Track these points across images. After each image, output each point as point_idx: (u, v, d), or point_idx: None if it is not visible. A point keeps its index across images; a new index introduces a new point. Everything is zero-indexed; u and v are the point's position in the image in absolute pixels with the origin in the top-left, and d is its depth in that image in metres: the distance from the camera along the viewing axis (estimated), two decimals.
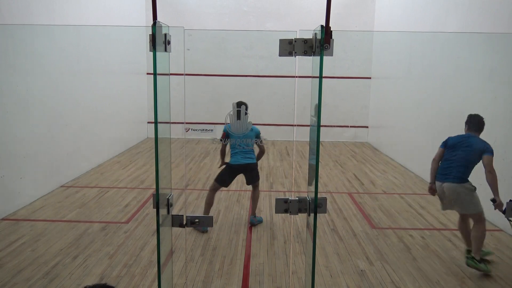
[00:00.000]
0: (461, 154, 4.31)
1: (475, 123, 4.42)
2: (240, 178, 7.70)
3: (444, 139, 4.28)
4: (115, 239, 4.78)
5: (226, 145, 5.48)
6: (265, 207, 6.05)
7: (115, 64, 9.30)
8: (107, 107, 8.93)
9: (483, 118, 4.44)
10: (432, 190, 4.47)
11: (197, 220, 2.19)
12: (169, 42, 2.03)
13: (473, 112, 6.17)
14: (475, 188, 4.33)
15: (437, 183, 4.39)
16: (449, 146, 4.46)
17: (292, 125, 11.83)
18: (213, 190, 5.35)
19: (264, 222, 5.41)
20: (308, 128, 2.35)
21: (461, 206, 4.26)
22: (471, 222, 4.29)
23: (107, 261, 4.22)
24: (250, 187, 5.53)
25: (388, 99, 10.25)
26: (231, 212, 5.79)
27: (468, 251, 4.25)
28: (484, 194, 4.37)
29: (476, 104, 5.95)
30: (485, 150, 4.22)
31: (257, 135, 5.42)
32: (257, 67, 11.71)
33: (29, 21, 5.87)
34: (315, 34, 1.87)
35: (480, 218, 4.16)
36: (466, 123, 4.51)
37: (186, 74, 11.13)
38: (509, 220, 4.04)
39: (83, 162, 7.75)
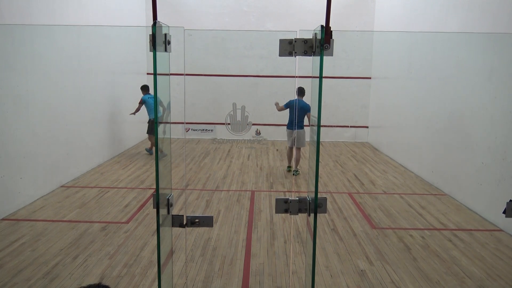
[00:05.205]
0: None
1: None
2: (240, 178, 7.73)
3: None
4: (115, 239, 4.78)
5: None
6: (265, 207, 6.05)
7: (115, 64, 9.30)
8: (107, 107, 8.93)
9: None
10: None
11: (197, 220, 2.19)
12: (169, 42, 2.04)
13: (472, 112, 6.23)
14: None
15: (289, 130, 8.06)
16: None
17: None
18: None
19: (264, 222, 5.41)
20: (308, 128, 2.35)
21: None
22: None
23: (107, 261, 4.23)
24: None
25: (388, 99, 10.25)
26: (231, 212, 5.79)
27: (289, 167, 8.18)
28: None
29: (476, 104, 5.95)
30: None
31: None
32: (257, 67, 11.72)
33: (29, 21, 5.87)
34: (315, 34, 1.87)
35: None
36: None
37: (186, 74, 11.13)
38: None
39: (83, 162, 7.75)
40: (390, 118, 10.08)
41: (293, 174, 8.01)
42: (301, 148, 8.35)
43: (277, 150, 10.53)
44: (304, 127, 8.04)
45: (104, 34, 8.66)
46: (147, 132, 9.72)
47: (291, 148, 8.16)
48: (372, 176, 8.02)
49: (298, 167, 8.09)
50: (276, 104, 8.13)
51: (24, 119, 5.79)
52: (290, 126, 8.00)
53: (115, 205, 5.98)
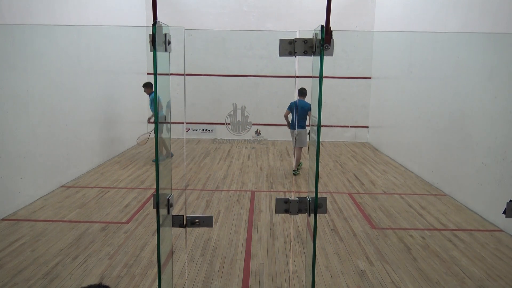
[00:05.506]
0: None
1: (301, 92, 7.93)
2: (240, 178, 7.73)
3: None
4: (115, 239, 4.78)
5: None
6: (265, 207, 6.05)
7: (115, 64, 9.30)
8: (107, 107, 8.93)
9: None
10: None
11: (197, 220, 2.19)
12: (169, 42, 2.04)
13: (473, 112, 6.24)
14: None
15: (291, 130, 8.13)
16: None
17: None
18: None
19: (264, 222, 5.41)
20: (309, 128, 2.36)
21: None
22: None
23: (107, 261, 4.22)
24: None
25: (388, 99, 10.25)
26: (231, 212, 5.79)
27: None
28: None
29: (476, 104, 5.95)
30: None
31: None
32: (257, 67, 11.72)
33: (29, 21, 5.87)
34: (315, 34, 1.86)
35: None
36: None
37: (186, 74, 11.13)
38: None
39: (83, 162, 7.75)
40: (390, 118, 10.08)
41: (293, 174, 8.04)
42: (303, 148, 8.38)
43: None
44: (306, 127, 8.11)
45: (104, 34, 8.66)
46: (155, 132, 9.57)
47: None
48: (372, 176, 8.02)
49: (298, 167, 8.14)
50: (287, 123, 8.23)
51: (24, 119, 5.79)
52: (292, 126, 8.10)
53: (115, 205, 5.98)
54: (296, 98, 8.11)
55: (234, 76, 11.74)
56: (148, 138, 9.32)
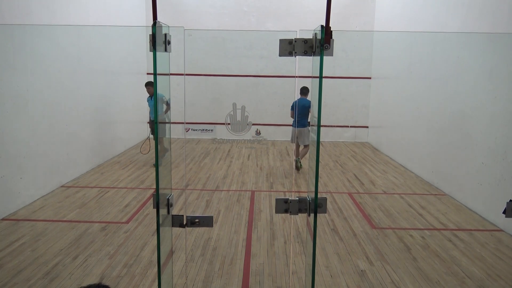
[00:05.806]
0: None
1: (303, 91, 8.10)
2: (240, 178, 7.74)
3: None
4: (115, 239, 4.78)
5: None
6: (265, 207, 6.05)
7: (115, 64, 9.30)
8: (107, 107, 8.93)
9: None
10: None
11: (197, 220, 2.19)
12: (169, 42, 2.04)
13: (473, 112, 6.23)
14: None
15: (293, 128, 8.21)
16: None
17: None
18: None
19: (264, 222, 5.41)
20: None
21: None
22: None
23: (107, 261, 4.23)
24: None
25: (388, 99, 10.25)
26: (231, 212, 5.79)
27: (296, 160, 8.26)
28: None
29: (476, 104, 5.95)
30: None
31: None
32: (257, 67, 11.72)
33: (29, 21, 5.87)
34: (315, 34, 1.86)
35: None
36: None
37: (186, 74, 11.13)
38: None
39: (83, 162, 7.75)
40: (390, 118, 10.08)
41: (295, 161, 8.27)
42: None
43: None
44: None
45: (104, 34, 8.66)
46: (152, 133, 8.95)
47: (296, 145, 8.46)
48: (372, 176, 8.02)
49: (301, 160, 8.36)
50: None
51: (24, 119, 5.79)
52: (293, 124, 8.25)
53: (115, 205, 5.98)
54: (297, 97, 8.19)
55: (234, 76, 11.74)
56: (150, 144, 9.28)
